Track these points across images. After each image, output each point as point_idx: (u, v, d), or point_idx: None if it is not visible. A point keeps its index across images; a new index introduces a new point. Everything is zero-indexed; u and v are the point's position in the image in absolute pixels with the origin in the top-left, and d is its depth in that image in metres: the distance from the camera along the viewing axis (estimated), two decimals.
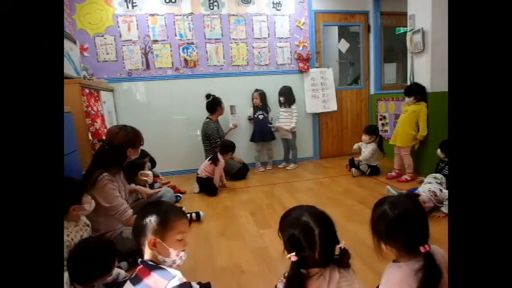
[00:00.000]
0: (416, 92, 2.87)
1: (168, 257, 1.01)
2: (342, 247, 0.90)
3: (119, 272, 1.37)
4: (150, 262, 0.99)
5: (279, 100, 3.71)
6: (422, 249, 0.85)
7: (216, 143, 3.28)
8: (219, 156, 3.01)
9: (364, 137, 3.28)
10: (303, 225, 0.88)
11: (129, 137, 1.72)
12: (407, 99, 2.92)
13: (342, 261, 0.90)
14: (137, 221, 1.04)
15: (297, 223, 0.89)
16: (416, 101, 2.86)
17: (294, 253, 0.86)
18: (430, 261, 0.86)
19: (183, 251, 1.05)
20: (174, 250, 1.02)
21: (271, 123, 3.74)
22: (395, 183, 2.80)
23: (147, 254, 1.02)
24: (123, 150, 1.70)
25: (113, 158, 1.68)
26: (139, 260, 1.02)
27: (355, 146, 3.37)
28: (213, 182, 2.95)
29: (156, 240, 0.99)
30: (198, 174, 3.02)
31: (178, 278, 0.95)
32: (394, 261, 0.96)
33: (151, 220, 1.00)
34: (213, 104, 3.43)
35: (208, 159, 3.03)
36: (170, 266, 1.01)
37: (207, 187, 2.93)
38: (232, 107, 3.64)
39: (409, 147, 2.92)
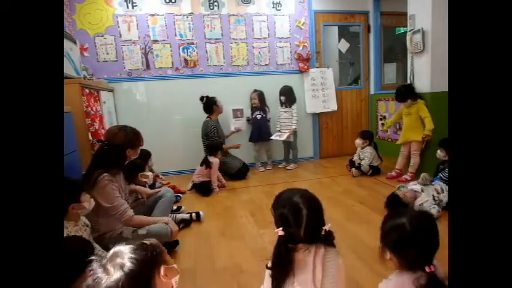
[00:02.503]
0: (408, 94, 2.86)
1: (178, 274, 0.87)
2: (327, 229, 0.96)
3: None
4: None
5: (280, 100, 3.71)
6: (427, 269, 0.87)
7: (214, 140, 3.30)
8: (210, 158, 3.01)
9: (358, 141, 3.29)
10: (293, 204, 0.95)
11: (128, 137, 1.72)
12: (403, 103, 2.92)
13: (327, 240, 0.98)
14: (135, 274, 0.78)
15: (287, 202, 0.97)
16: (414, 101, 2.86)
17: (281, 228, 0.95)
18: (435, 280, 0.87)
19: None
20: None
21: (269, 120, 3.75)
22: (395, 183, 2.80)
23: None
24: (122, 151, 1.70)
25: (113, 158, 1.67)
26: None
27: (355, 157, 3.36)
28: (211, 183, 2.96)
29: (166, 270, 0.83)
30: (193, 181, 3.03)
31: None
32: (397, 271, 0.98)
33: (151, 260, 0.82)
34: (208, 105, 3.43)
35: (200, 164, 3.03)
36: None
37: (203, 188, 2.94)
38: (236, 111, 3.58)
39: (420, 142, 2.88)
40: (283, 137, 3.60)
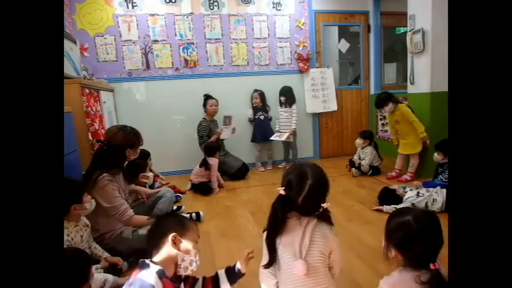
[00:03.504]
0: (388, 98, 2.92)
1: (188, 253, 1.01)
2: (325, 207, 1.01)
3: (105, 278, 1.30)
4: (147, 261, 0.96)
5: (280, 100, 3.71)
6: (432, 266, 0.89)
7: (202, 138, 3.33)
8: (209, 159, 3.01)
9: (358, 141, 3.29)
10: (301, 172, 1.01)
11: (128, 137, 1.72)
12: (386, 108, 2.96)
13: (322, 217, 1.03)
14: (156, 224, 1.07)
15: (297, 170, 1.03)
16: (394, 105, 2.90)
17: (283, 188, 1.01)
18: (439, 276, 0.89)
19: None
20: (194, 249, 1.03)
21: (270, 120, 3.76)
22: (395, 183, 2.79)
23: (163, 254, 0.99)
24: (122, 151, 1.70)
25: (112, 158, 1.67)
26: (141, 260, 0.97)
27: (355, 157, 3.37)
28: (211, 183, 2.95)
29: (177, 237, 0.99)
30: (191, 180, 3.04)
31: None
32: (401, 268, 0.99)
33: (171, 221, 1.04)
34: (204, 103, 3.48)
35: (199, 165, 3.04)
36: (186, 268, 1.02)
37: (202, 189, 2.94)
38: (226, 118, 3.44)
39: (417, 154, 2.90)
40: (283, 138, 3.60)
